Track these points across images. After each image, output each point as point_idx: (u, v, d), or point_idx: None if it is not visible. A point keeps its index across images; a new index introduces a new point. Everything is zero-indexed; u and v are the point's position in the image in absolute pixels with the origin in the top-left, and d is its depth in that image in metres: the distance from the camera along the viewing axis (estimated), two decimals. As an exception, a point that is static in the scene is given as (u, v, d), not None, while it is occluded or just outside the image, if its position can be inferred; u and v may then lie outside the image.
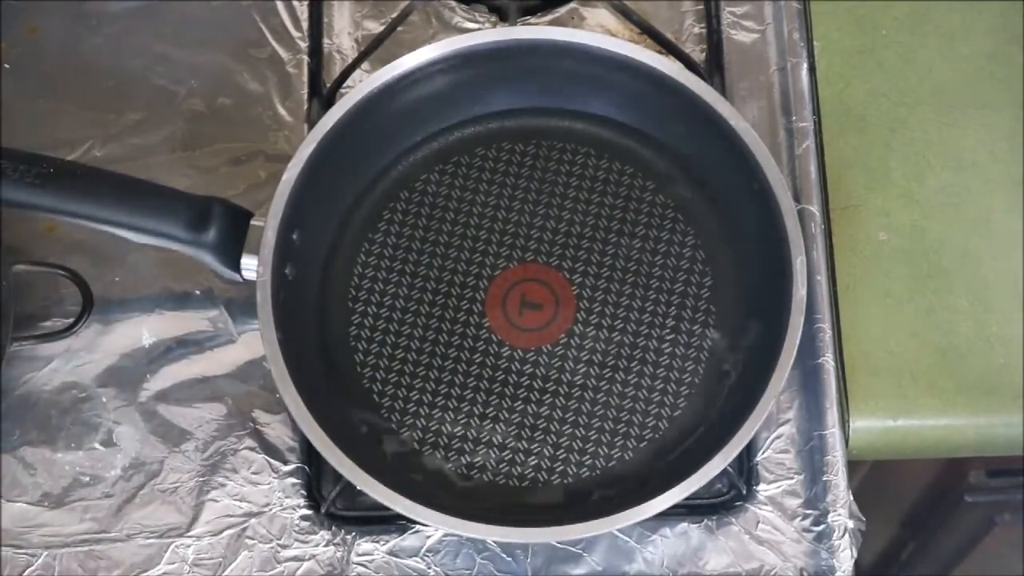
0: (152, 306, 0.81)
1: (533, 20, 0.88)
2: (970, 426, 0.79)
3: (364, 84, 0.78)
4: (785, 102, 0.84)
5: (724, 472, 0.72)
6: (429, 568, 0.75)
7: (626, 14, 0.85)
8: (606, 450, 0.76)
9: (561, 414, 0.77)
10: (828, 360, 0.78)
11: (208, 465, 0.77)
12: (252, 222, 0.75)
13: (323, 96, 0.85)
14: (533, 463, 0.76)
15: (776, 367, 0.72)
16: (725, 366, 0.77)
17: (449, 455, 0.76)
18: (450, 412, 0.77)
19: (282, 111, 0.85)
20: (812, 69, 0.86)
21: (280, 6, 0.88)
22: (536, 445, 0.76)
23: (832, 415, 0.77)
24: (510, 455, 0.76)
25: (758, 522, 0.76)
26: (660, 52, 0.82)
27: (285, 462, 0.77)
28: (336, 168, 0.79)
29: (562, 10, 0.88)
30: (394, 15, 0.85)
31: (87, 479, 0.77)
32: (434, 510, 0.70)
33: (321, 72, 0.86)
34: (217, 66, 0.86)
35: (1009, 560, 1.13)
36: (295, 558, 0.76)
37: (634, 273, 0.80)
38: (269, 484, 0.77)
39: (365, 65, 0.84)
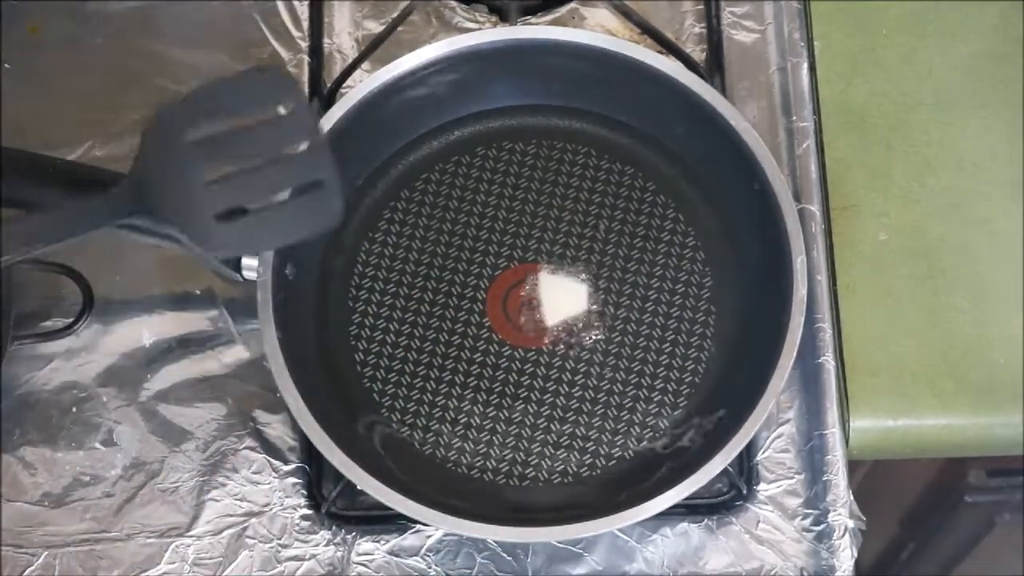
0: (152, 306, 0.81)
1: (533, 20, 0.88)
2: (970, 426, 0.79)
3: (364, 84, 0.78)
4: (785, 102, 0.84)
5: (724, 472, 0.72)
6: (429, 568, 0.75)
7: (626, 14, 0.85)
8: (606, 450, 0.76)
9: (561, 414, 0.77)
10: (828, 360, 0.78)
11: (208, 465, 0.77)
12: (252, 221, 0.75)
13: (323, 96, 0.85)
14: (533, 463, 0.76)
15: (776, 367, 0.72)
16: (725, 366, 0.77)
17: (449, 454, 0.76)
18: (450, 412, 0.77)
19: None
20: (812, 69, 0.86)
21: (280, 6, 0.88)
22: (536, 445, 0.76)
23: (832, 415, 0.77)
24: (510, 455, 0.76)
25: (758, 522, 0.76)
26: (660, 52, 0.82)
27: (285, 462, 0.78)
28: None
29: (562, 10, 0.88)
30: (394, 15, 0.85)
31: (87, 479, 0.77)
32: (434, 510, 0.70)
33: (321, 72, 0.86)
34: (217, 66, 0.86)
35: (1009, 560, 1.13)
36: (295, 558, 0.76)
37: (634, 273, 0.80)
38: (269, 484, 0.77)
39: (365, 65, 0.85)
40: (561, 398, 0.77)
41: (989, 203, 0.83)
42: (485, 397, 0.77)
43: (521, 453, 0.76)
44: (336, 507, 0.77)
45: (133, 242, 0.76)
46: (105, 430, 0.78)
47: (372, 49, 0.84)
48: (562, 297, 0.79)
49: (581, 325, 0.79)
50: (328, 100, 0.84)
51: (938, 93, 0.86)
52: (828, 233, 0.82)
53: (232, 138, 0.65)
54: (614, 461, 0.76)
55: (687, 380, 0.77)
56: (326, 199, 0.66)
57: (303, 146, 0.65)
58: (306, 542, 0.76)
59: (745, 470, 0.77)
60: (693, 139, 0.80)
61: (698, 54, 0.86)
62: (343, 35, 0.88)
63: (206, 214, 0.64)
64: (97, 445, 0.78)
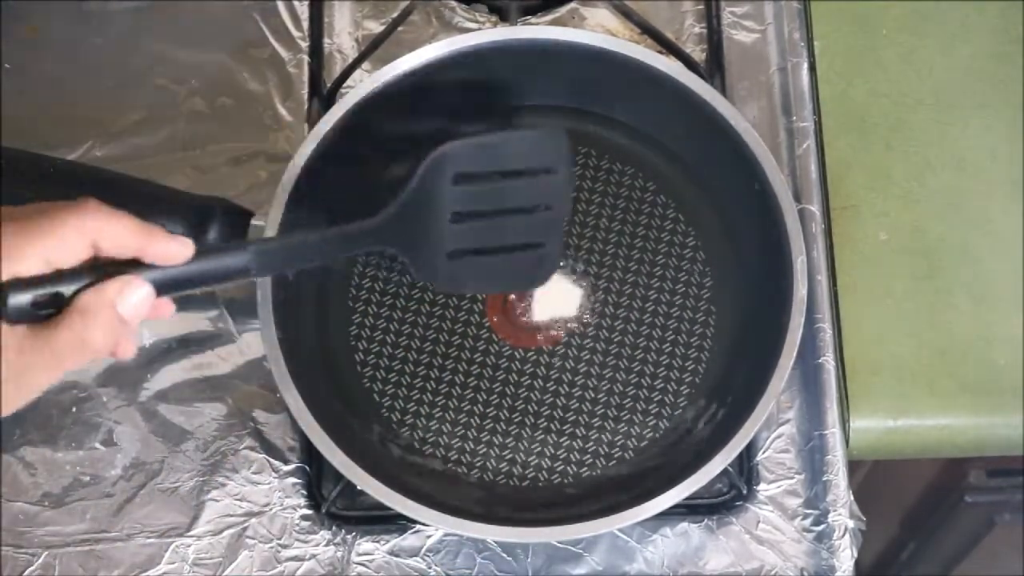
0: (152, 306, 0.81)
1: (533, 20, 0.88)
2: (970, 426, 0.79)
3: (364, 84, 0.78)
4: (785, 102, 0.84)
5: (724, 472, 0.72)
6: (429, 568, 0.75)
7: (626, 14, 0.85)
8: (606, 450, 0.76)
9: (561, 414, 0.77)
10: (828, 360, 0.78)
11: (208, 465, 0.77)
12: (253, 222, 0.75)
13: (323, 96, 0.85)
14: (533, 463, 0.76)
15: (776, 367, 0.72)
16: (725, 366, 0.77)
17: (449, 454, 0.76)
18: (450, 412, 0.77)
19: (282, 111, 0.85)
20: (812, 69, 0.86)
21: (281, 6, 0.88)
22: (536, 445, 0.76)
23: (832, 415, 0.77)
24: (510, 455, 0.76)
25: (758, 522, 0.76)
26: (660, 52, 0.82)
27: (285, 462, 0.77)
28: (336, 168, 0.79)
29: (562, 10, 0.88)
30: (394, 15, 0.85)
31: (87, 479, 0.77)
32: (434, 510, 0.70)
33: (322, 72, 0.86)
34: (217, 66, 0.86)
35: (1009, 560, 1.13)
36: (295, 558, 0.76)
37: (634, 273, 0.80)
38: (269, 484, 0.77)
39: (365, 65, 0.84)
40: (561, 398, 0.77)
41: (989, 203, 0.83)
42: (485, 397, 0.77)
43: (521, 453, 0.76)
44: (336, 507, 0.77)
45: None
46: (105, 430, 0.78)
47: (372, 49, 0.84)
48: (553, 297, 0.79)
49: (581, 325, 0.79)
50: (328, 100, 0.84)
51: (938, 93, 0.86)
52: (828, 233, 0.82)
53: (491, 185, 0.67)
54: (614, 461, 0.76)
55: (687, 380, 0.77)
56: (542, 263, 0.69)
57: (548, 208, 0.68)
58: (306, 542, 0.76)
59: (745, 470, 0.77)
60: (693, 139, 0.80)
61: (698, 54, 0.86)
62: (343, 35, 0.88)
63: (441, 249, 0.67)
64: (97, 445, 0.78)
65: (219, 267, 0.60)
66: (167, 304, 0.60)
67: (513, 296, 0.79)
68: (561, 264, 0.80)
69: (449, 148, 0.66)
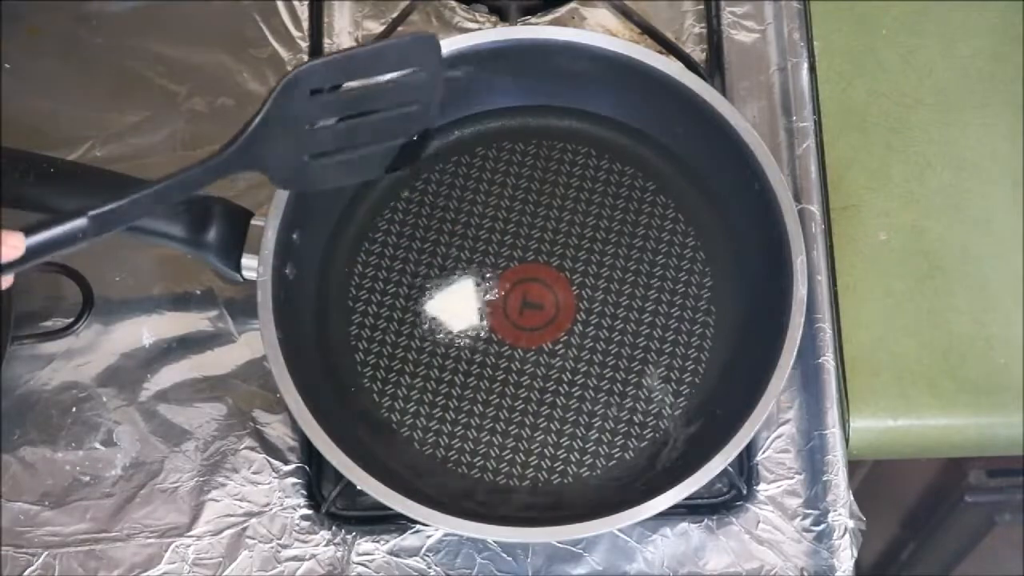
0: (152, 306, 0.81)
1: (533, 20, 0.88)
2: (970, 426, 0.79)
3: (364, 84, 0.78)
4: (785, 102, 0.84)
5: (724, 472, 0.72)
6: (429, 568, 0.75)
7: (626, 14, 0.85)
8: (606, 450, 0.76)
9: (561, 414, 0.77)
10: (828, 360, 0.78)
11: (208, 465, 0.77)
12: (252, 222, 0.75)
13: (323, 96, 0.85)
14: (533, 463, 0.76)
15: (776, 367, 0.72)
16: (725, 366, 0.77)
17: (449, 454, 0.76)
18: (450, 412, 0.77)
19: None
20: (812, 69, 0.86)
21: (280, 6, 0.88)
22: (536, 445, 0.76)
23: (832, 415, 0.77)
24: (510, 454, 0.76)
25: (758, 522, 0.76)
26: (660, 52, 0.82)
27: (285, 462, 0.78)
28: (336, 168, 0.79)
29: (562, 10, 0.88)
30: (394, 15, 0.85)
31: (87, 479, 0.77)
32: (434, 510, 0.70)
33: (321, 72, 0.86)
34: (217, 66, 0.86)
35: (1009, 560, 1.13)
36: (295, 558, 0.76)
37: (634, 273, 0.80)
38: (269, 484, 0.77)
39: (365, 65, 0.84)
40: (561, 398, 0.77)
41: (989, 203, 0.83)
42: (485, 397, 0.77)
43: (521, 453, 0.76)
44: (336, 507, 0.77)
45: (133, 242, 0.76)
46: (105, 430, 0.78)
47: (372, 49, 0.84)
48: (452, 304, 0.79)
49: (582, 325, 0.79)
50: (328, 100, 0.84)
51: (938, 93, 0.86)
52: (828, 233, 0.82)
53: (356, 94, 0.67)
54: (614, 461, 0.76)
55: (687, 380, 0.77)
56: (404, 150, 0.70)
57: (414, 103, 0.68)
58: (306, 542, 0.76)
59: (745, 470, 0.77)
60: (693, 139, 0.80)
61: (698, 54, 0.86)
62: (343, 35, 0.88)
63: (301, 156, 0.67)
64: (97, 445, 0.78)
65: (56, 240, 0.60)
66: (6, 278, 0.61)
67: (518, 295, 0.79)
68: (560, 263, 0.80)
69: (300, 72, 0.65)
